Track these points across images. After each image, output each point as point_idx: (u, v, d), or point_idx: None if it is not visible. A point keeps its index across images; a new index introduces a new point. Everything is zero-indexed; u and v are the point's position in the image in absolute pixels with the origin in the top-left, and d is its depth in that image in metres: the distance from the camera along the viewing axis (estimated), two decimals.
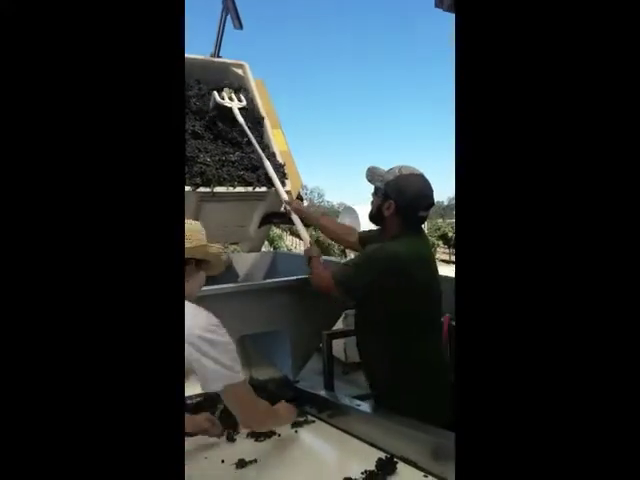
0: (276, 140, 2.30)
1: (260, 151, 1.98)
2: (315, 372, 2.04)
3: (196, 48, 2.56)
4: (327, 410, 1.35)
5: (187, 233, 1.12)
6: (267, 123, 2.34)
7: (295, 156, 2.37)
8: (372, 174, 1.54)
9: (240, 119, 2.06)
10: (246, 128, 2.01)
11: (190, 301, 1.12)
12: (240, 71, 2.53)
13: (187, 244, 1.10)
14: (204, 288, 1.45)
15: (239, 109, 2.14)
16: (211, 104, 2.15)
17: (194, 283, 1.20)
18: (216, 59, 2.54)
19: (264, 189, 2.06)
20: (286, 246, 6.88)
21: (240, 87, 2.38)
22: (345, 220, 8.28)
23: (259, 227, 2.25)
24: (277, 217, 2.13)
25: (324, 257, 1.96)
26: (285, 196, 1.92)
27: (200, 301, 1.46)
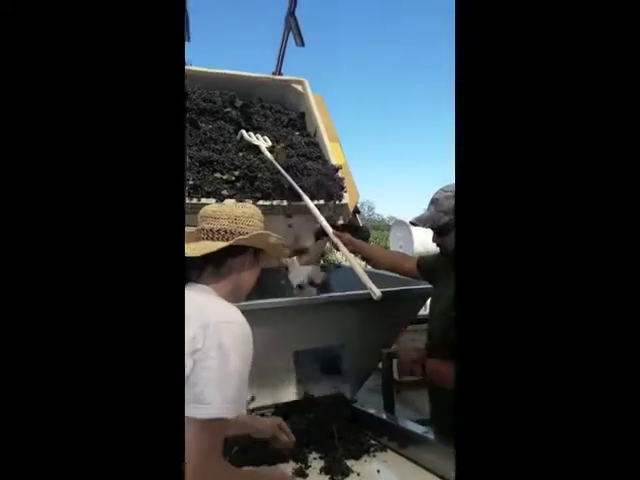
0: (334, 153, 2.31)
1: (297, 187, 1.96)
2: (368, 389, 1.99)
3: (261, 66, 2.64)
4: (393, 437, 1.31)
5: (246, 219, 1.02)
6: (325, 137, 2.36)
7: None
8: (431, 218, 1.36)
9: (269, 155, 2.08)
10: (277, 164, 2.02)
11: (241, 295, 1.06)
12: (300, 87, 2.58)
13: (246, 230, 1.01)
14: (259, 301, 1.46)
15: (267, 148, 2.16)
16: (238, 137, 2.21)
17: (250, 276, 1.06)
18: (277, 77, 2.61)
19: (322, 202, 2.07)
20: (336, 259, 6.85)
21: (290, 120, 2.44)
22: (397, 234, 8.14)
23: (316, 240, 2.25)
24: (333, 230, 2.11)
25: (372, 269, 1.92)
26: (330, 229, 1.88)
27: (254, 315, 1.48)
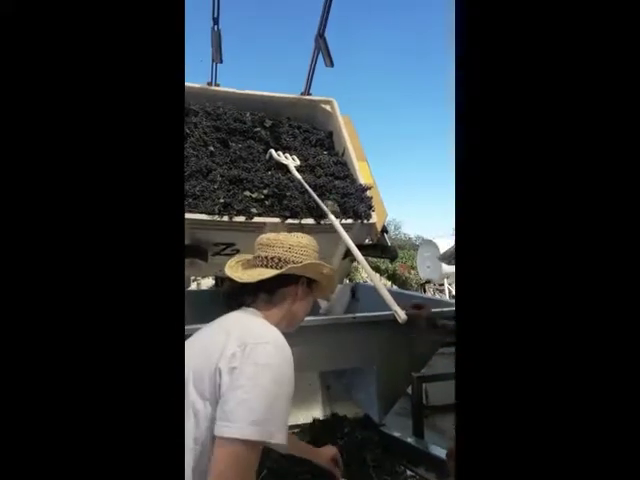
0: (362, 173, 2.32)
1: (323, 206, 1.96)
2: (395, 413, 1.93)
3: (291, 87, 2.69)
4: (429, 467, 1.26)
5: (300, 248, 1.03)
6: (353, 156, 2.36)
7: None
8: (453, 253, 1.38)
9: (297, 175, 2.10)
10: (304, 183, 2.04)
11: (292, 324, 1.05)
12: (328, 107, 2.62)
13: (300, 259, 1.01)
14: None
15: (295, 167, 2.18)
16: (267, 156, 2.24)
17: (302, 306, 1.06)
18: (306, 97, 2.65)
19: (350, 221, 2.06)
20: (362, 278, 6.79)
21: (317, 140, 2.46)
22: (424, 254, 8.01)
23: (343, 259, 2.23)
24: (362, 249, 2.09)
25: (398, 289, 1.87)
26: (356, 249, 1.84)
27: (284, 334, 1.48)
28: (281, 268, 0.99)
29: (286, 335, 1.46)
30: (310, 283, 1.06)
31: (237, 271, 1.06)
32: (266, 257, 1.03)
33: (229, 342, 0.84)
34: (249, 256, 1.09)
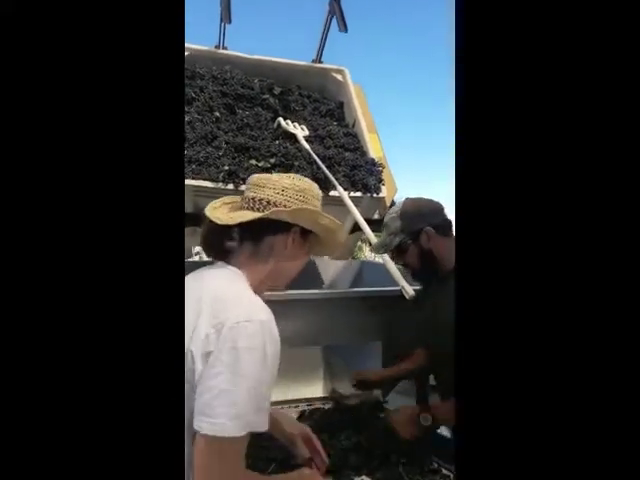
0: (372, 145, 2.24)
1: (332, 178, 1.88)
2: (397, 392, 1.90)
3: (298, 53, 2.59)
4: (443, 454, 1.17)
5: (295, 192, 0.85)
6: (364, 128, 2.28)
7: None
8: (384, 243, 1.29)
9: (305, 145, 2.02)
10: (313, 154, 1.96)
11: (279, 283, 0.90)
12: (340, 76, 2.51)
13: (294, 204, 0.84)
14: (286, 292, 1.39)
15: (304, 137, 2.10)
16: (275, 124, 2.15)
17: (292, 262, 0.88)
18: (317, 65, 2.54)
19: (359, 194, 1.99)
20: (366, 257, 6.75)
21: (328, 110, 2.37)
22: None
23: (349, 234, 2.18)
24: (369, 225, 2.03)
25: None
26: (364, 223, 1.76)
27: (282, 305, 1.42)
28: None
29: (288, 309, 1.36)
30: (305, 235, 0.88)
31: (220, 212, 0.89)
32: (253, 198, 0.85)
33: (201, 319, 0.71)
34: (237, 198, 0.92)
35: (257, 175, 0.91)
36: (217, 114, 2.07)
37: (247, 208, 0.86)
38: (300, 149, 2.04)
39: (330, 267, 2.45)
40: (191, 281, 0.83)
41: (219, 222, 0.84)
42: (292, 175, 0.90)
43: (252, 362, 0.69)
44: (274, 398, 1.43)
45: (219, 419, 0.66)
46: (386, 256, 1.70)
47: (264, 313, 0.74)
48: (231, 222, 0.83)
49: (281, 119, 2.14)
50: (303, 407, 1.45)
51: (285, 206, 0.83)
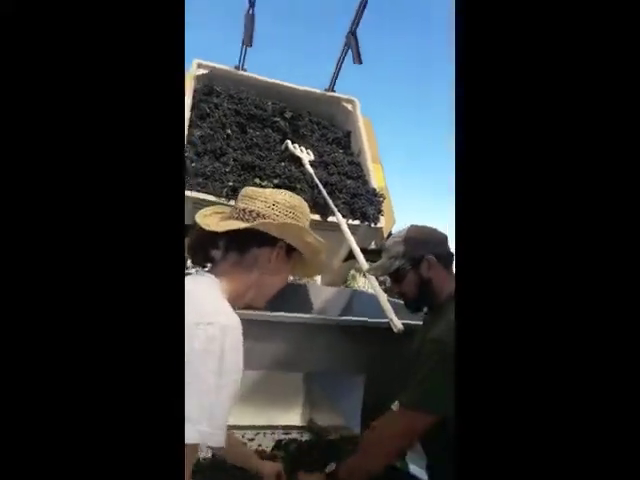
0: (375, 175, 2.29)
1: (332, 204, 1.91)
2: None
3: (313, 80, 2.66)
4: None
5: (285, 208, 0.86)
6: (368, 158, 2.34)
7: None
8: (382, 266, 1.28)
9: (309, 169, 2.07)
10: (315, 178, 2.01)
11: (258, 298, 0.89)
12: (350, 106, 2.59)
13: (282, 219, 0.85)
14: (277, 313, 1.39)
15: (309, 161, 2.15)
16: (283, 147, 2.21)
17: (274, 277, 0.89)
18: (329, 93, 2.62)
19: (357, 222, 2.03)
20: (358, 287, 6.74)
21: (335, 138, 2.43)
22: None
23: (343, 261, 2.20)
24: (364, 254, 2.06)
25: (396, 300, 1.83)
26: (360, 253, 1.79)
27: (267, 327, 1.41)
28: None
29: (273, 330, 1.34)
30: (290, 253, 0.88)
31: (209, 220, 0.89)
32: (244, 209, 0.86)
33: None
34: (227, 208, 0.94)
35: (250, 188, 0.93)
36: (229, 131, 2.13)
37: (237, 218, 0.87)
38: (304, 173, 2.09)
39: (321, 293, 2.46)
40: None
41: (207, 228, 0.85)
42: (284, 191, 0.92)
43: (205, 365, 0.66)
44: (250, 422, 1.41)
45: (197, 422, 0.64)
46: (377, 286, 1.71)
47: (228, 318, 0.72)
48: (219, 229, 0.84)
49: (289, 142, 2.20)
50: (279, 435, 1.42)
51: (274, 220, 0.84)
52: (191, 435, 0.63)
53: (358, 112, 2.56)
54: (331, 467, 1.02)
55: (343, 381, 1.61)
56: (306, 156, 2.21)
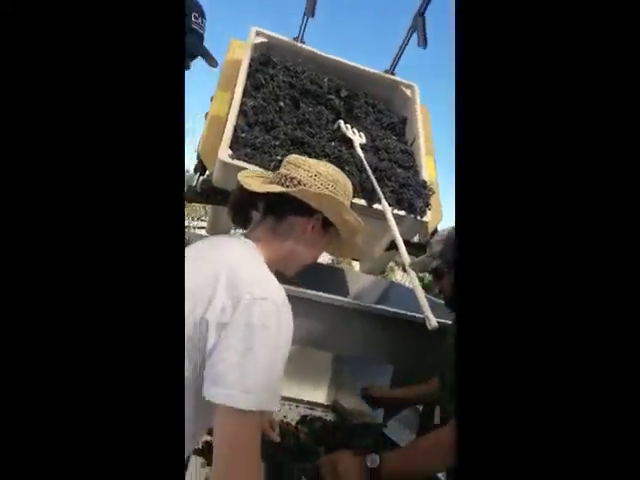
0: (427, 167, 2.18)
1: (379, 191, 1.85)
2: (396, 419, 1.84)
3: (373, 60, 2.55)
4: None
5: (327, 181, 0.85)
6: (422, 147, 2.23)
7: None
8: (422, 262, 1.27)
9: (360, 153, 1.99)
10: (365, 163, 1.93)
11: (291, 267, 0.89)
12: (409, 91, 2.48)
13: (324, 191, 0.83)
14: (315, 292, 1.38)
15: (360, 144, 2.07)
16: (335, 126, 2.13)
17: (308, 248, 0.87)
18: (388, 76, 2.52)
19: (402, 213, 1.94)
20: (396, 280, 6.65)
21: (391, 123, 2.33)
22: None
23: (385, 251, 2.13)
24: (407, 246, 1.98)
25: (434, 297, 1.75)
26: (402, 244, 1.72)
27: (303, 304, 1.41)
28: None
29: (309, 309, 1.36)
30: (327, 227, 0.87)
31: (251, 180, 0.90)
32: (286, 176, 0.87)
33: (218, 290, 0.71)
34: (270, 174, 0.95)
35: (295, 155, 0.93)
36: (282, 104, 2.08)
37: (277, 183, 0.87)
38: (354, 155, 2.02)
39: (358, 280, 2.41)
40: (207, 247, 0.85)
41: (248, 188, 0.86)
42: (329, 164, 0.91)
43: (266, 341, 0.69)
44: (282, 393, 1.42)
45: (231, 390, 0.66)
46: (416, 280, 1.65)
47: (280, 293, 0.75)
48: (259, 190, 0.85)
49: (342, 122, 2.13)
50: (304, 410, 1.42)
51: (314, 189, 0.84)
52: (253, 404, 0.67)
53: (417, 99, 2.44)
54: (374, 461, 0.96)
55: (372, 368, 1.58)
56: (358, 138, 2.14)
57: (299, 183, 0.85)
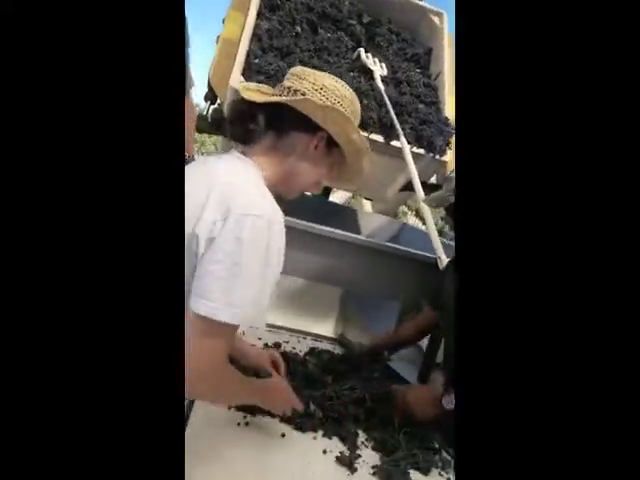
0: (451, 104, 2.06)
1: (399, 127, 1.75)
2: (400, 356, 1.88)
3: None
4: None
5: (334, 95, 0.79)
6: (447, 82, 2.10)
7: None
8: (439, 197, 1.22)
9: (380, 85, 1.87)
10: (385, 97, 1.81)
11: (291, 188, 0.85)
12: (437, 20, 2.29)
13: (327, 102, 0.78)
14: (326, 228, 1.36)
15: (380, 76, 1.95)
16: (355, 55, 2.00)
17: (310, 168, 0.82)
18: (415, 1, 2.32)
19: (421, 151, 1.86)
20: (407, 220, 6.60)
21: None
22: None
23: (399, 191, 2.07)
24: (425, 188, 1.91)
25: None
26: (419, 185, 1.66)
27: (313, 239, 1.41)
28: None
29: (320, 244, 1.33)
30: (331, 148, 0.82)
31: (252, 92, 0.84)
32: (289, 88, 0.80)
33: (210, 203, 0.68)
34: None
35: (300, 67, 0.85)
36: (298, 29, 1.95)
37: (280, 95, 0.81)
38: (373, 88, 1.91)
39: (370, 220, 2.38)
40: (201, 164, 0.83)
41: (248, 99, 0.81)
42: (336, 78, 0.83)
43: (253, 255, 0.67)
44: (284, 323, 1.45)
45: (214, 303, 0.65)
46: (430, 220, 1.61)
47: (273, 209, 0.71)
48: (259, 100, 0.80)
49: (362, 50, 1.99)
50: (311, 343, 1.45)
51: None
52: (237, 318, 0.67)
53: (445, 28, 2.26)
54: (451, 402, 1.00)
55: (380, 305, 1.59)
56: (379, 69, 2.01)
57: (302, 96, 0.78)
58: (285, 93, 0.80)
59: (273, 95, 0.83)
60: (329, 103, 0.78)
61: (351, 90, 0.83)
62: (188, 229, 0.68)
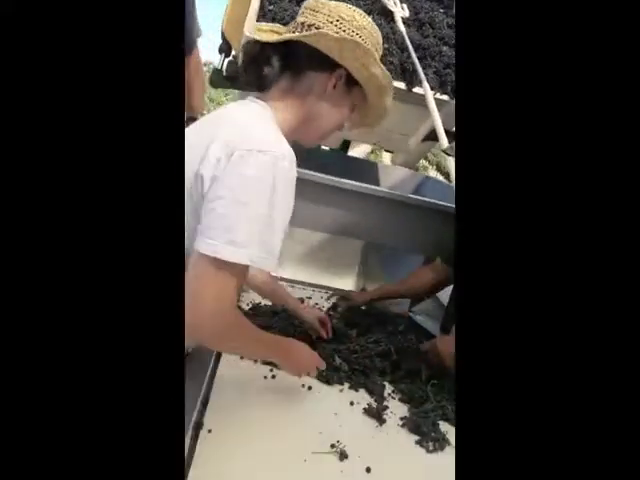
0: None
1: (421, 72, 1.64)
2: (427, 314, 1.88)
3: None
4: None
5: (352, 27, 0.72)
6: None
7: None
8: None
9: (401, 27, 1.75)
10: (407, 39, 1.70)
11: (310, 132, 0.80)
12: None
13: (344, 34, 0.72)
14: (346, 181, 1.33)
15: (402, 18, 1.82)
16: None
17: (330, 109, 0.78)
18: None
19: (445, 97, 1.76)
20: (427, 173, 6.45)
21: None
22: None
23: (422, 140, 1.99)
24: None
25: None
26: (443, 134, 1.57)
27: (333, 192, 1.38)
28: (318, 40, 0.71)
29: (339, 198, 1.31)
30: (350, 87, 0.77)
31: (264, 33, 0.80)
32: (303, 23, 0.74)
33: (215, 143, 0.65)
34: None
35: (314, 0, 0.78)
36: None
37: (292, 32, 0.76)
38: (394, 31, 1.79)
39: (391, 173, 2.31)
40: (218, 110, 0.80)
41: (259, 38, 0.76)
42: (354, 8, 0.76)
43: (256, 193, 0.63)
44: (305, 279, 1.46)
45: (215, 240, 0.63)
46: (454, 171, 1.55)
47: (281, 147, 0.67)
48: (271, 40, 0.75)
49: None
50: (335, 298, 1.46)
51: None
52: (240, 257, 0.63)
53: None
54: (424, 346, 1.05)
55: (401, 259, 1.58)
56: (400, 11, 1.88)
57: (317, 30, 0.72)
58: (299, 29, 0.75)
59: (287, 33, 0.78)
60: (346, 35, 0.72)
61: (370, 20, 0.76)
62: (194, 169, 0.66)
